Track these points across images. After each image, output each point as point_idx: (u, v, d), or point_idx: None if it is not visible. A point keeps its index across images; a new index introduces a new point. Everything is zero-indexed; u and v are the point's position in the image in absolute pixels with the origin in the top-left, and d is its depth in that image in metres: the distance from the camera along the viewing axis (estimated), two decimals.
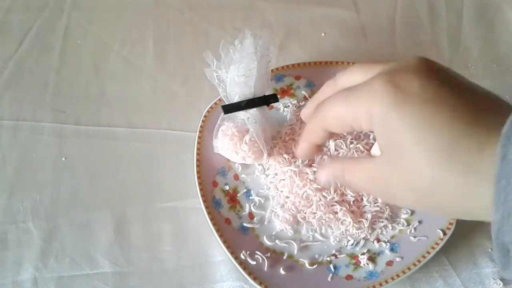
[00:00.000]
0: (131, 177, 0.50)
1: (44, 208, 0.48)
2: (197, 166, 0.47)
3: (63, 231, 0.47)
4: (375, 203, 0.46)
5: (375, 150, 0.48)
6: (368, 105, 0.30)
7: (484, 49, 0.60)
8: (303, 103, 0.52)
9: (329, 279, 0.43)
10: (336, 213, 0.45)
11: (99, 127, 0.53)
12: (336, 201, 0.46)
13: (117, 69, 0.58)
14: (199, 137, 0.49)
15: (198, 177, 0.47)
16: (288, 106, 0.52)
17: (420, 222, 0.46)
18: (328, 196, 0.46)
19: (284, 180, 0.47)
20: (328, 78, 0.52)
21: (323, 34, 0.61)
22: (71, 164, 0.51)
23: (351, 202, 0.46)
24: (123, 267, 0.45)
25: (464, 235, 0.45)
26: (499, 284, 0.44)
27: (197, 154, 0.48)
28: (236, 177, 0.49)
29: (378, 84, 0.30)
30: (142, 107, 0.55)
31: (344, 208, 0.45)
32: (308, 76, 0.54)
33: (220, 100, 0.50)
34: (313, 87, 0.53)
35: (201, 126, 0.49)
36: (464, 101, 0.29)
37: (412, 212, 0.46)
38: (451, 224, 0.44)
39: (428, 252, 0.43)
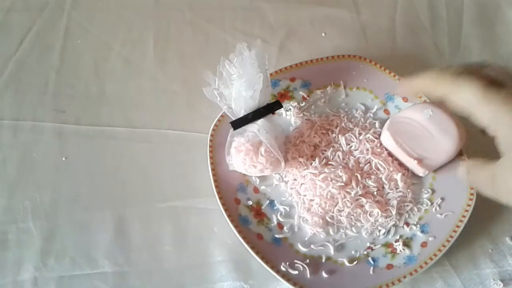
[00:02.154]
0: (131, 177, 0.50)
1: (44, 208, 0.48)
2: (216, 187, 0.46)
3: (63, 231, 0.47)
4: (396, 188, 0.47)
5: (384, 137, 0.48)
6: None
7: (484, 49, 0.60)
8: (303, 103, 0.52)
9: (371, 272, 0.43)
10: (363, 206, 0.46)
11: (99, 127, 0.53)
12: (360, 195, 0.46)
13: (117, 69, 0.57)
14: (210, 157, 0.47)
15: (220, 198, 0.46)
16: (290, 109, 0.52)
17: (442, 199, 0.47)
18: (352, 191, 0.46)
19: (304, 184, 0.47)
20: (323, 75, 0.54)
21: (323, 34, 0.61)
22: (71, 164, 0.51)
23: (374, 192, 0.47)
24: (123, 267, 0.45)
25: (465, 236, 0.45)
26: (499, 285, 0.44)
27: (213, 175, 0.47)
28: (256, 190, 0.48)
29: None
30: (142, 107, 0.55)
31: (370, 200, 0.46)
32: (302, 76, 0.54)
33: (222, 116, 0.49)
34: (309, 86, 0.53)
35: (210, 146, 0.48)
36: None
37: (433, 191, 0.47)
38: (472, 195, 0.46)
39: (458, 226, 0.44)
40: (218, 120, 0.50)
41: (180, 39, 0.60)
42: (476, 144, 0.44)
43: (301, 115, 0.52)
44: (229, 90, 0.46)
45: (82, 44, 0.59)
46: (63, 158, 0.51)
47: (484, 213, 0.48)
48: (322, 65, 0.54)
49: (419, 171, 0.47)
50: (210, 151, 0.48)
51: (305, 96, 0.53)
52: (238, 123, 0.46)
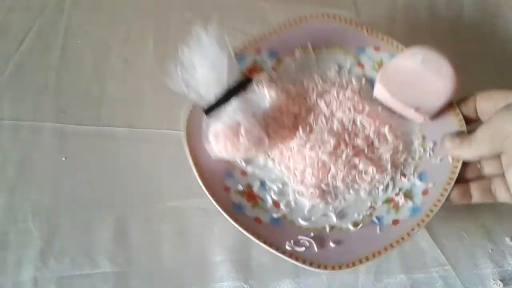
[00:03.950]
0: (131, 177, 0.50)
1: (44, 208, 0.48)
2: (202, 180, 0.44)
3: (63, 231, 0.47)
4: (386, 142, 0.46)
5: (377, 90, 0.47)
6: None
7: (484, 49, 0.60)
8: (274, 74, 0.50)
9: (378, 231, 0.42)
10: (356, 167, 0.45)
11: (99, 127, 0.53)
12: (352, 156, 0.45)
13: (117, 69, 0.57)
14: (190, 151, 0.45)
15: (208, 190, 0.43)
16: (262, 82, 0.49)
17: (434, 143, 0.45)
18: (343, 154, 0.44)
19: (292, 156, 0.45)
20: (288, 41, 0.51)
21: None
22: (71, 164, 0.51)
23: (365, 150, 0.45)
24: (123, 267, 0.45)
25: (465, 236, 0.45)
26: (499, 285, 0.44)
27: (196, 168, 0.44)
28: (244, 173, 0.46)
29: None
30: (142, 107, 0.55)
31: (363, 158, 0.45)
32: (267, 46, 0.51)
33: (193, 106, 0.47)
34: (277, 55, 0.51)
35: (187, 140, 0.45)
36: None
37: (423, 137, 0.46)
38: (462, 132, 0.44)
39: (456, 167, 0.43)
40: (190, 111, 0.46)
41: (180, 39, 0.60)
42: None
43: (274, 86, 0.49)
44: (194, 77, 0.43)
45: (82, 44, 0.59)
46: (63, 158, 0.51)
47: (484, 213, 0.48)
48: (286, 32, 0.51)
49: (418, 118, 0.45)
50: (188, 144, 0.45)
51: (275, 66, 0.50)
52: (210, 109, 0.44)
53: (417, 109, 0.44)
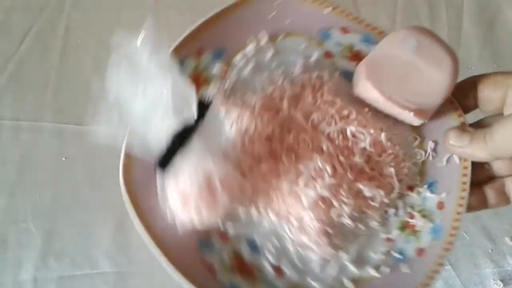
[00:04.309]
0: None
1: (44, 208, 0.48)
2: (175, 265, 0.32)
3: (63, 231, 0.47)
4: (384, 151, 0.37)
5: (365, 88, 0.37)
6: None
7: (484, 49, 0.60)
8: (227, 83, 0.37)
9: (406, 270, 0.34)
10: (359, 192, 0.35)
11: (99, 127, 0.53)
12: (353, 180, 0.35)
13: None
14: (143, 224, 0.32)
15: (188, 279, 0.32)
16: (212, 99, 0.33)
17: (435, 142, 0.38)
18: (343, 182, 0.35)
19: (283, 199, 0.34)
20: (236, 32, 0.38)
21: None
22: (71, 164, 0.51)
23: (366, 169, 0.36)
24: (123, 267, 0.45)
25: (465, 236, 0.45)
26: (499, 285, 0.44)
27: (162, 250, 0.32)
28: (225, 237, 0.33)
29: None
30: None
31: (365, 182, 0.35)
32: (211, 43, 0.37)
33: (128, 159, 0.35)
34: (224, 55, 0.37)
35: (134, 210, 0.33)
36: None
37: (422, 137, 0.39)
38: (463, 124, 0.38)
39: (465, 168, 0.36)
40: (126, 165, 0.34)
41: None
42: None
43: (231, 101, 0.36)
44: (131, 114, 0.31)
45: (82, 44, 0.59)
46: (63, 158, 0.51)
47: (484, 213, 0.48)
48: (229, 19, 0.37)
49: (416, 121, 0.36)
50: (138, 215, 0.32)
51: (224, 71, 0.37)
52: (166, 159, 0.30)
53: (417, 112, 0.36)
